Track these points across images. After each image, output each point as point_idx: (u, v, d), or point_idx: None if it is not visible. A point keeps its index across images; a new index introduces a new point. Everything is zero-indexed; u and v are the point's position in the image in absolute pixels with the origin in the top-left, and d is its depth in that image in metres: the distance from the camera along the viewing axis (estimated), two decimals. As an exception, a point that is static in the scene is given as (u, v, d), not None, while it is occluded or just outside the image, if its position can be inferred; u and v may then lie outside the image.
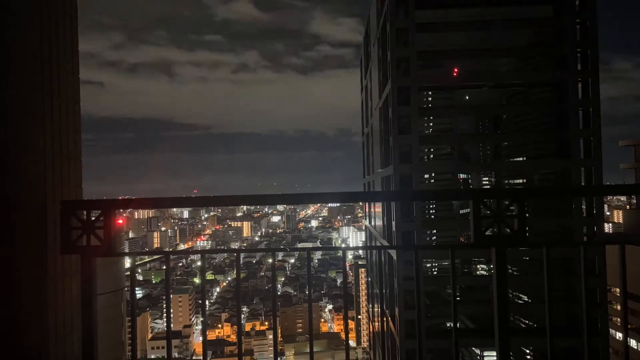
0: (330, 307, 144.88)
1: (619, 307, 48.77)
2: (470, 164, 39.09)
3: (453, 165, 38.35)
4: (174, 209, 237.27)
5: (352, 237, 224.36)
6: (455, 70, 37.93)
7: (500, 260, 2.87)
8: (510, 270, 35.94)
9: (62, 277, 3.29)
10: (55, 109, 3.33)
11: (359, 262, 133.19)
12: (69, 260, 3.33)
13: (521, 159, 39.86)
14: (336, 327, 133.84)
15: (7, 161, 2.84)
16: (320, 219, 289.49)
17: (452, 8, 36.63)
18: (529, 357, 35.69)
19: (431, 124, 39.78)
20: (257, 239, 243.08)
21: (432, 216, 37.99)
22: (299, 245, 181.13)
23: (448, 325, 34.94)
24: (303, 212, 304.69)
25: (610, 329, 36.85)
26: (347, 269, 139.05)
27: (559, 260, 34.20)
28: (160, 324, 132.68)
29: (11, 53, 2.89)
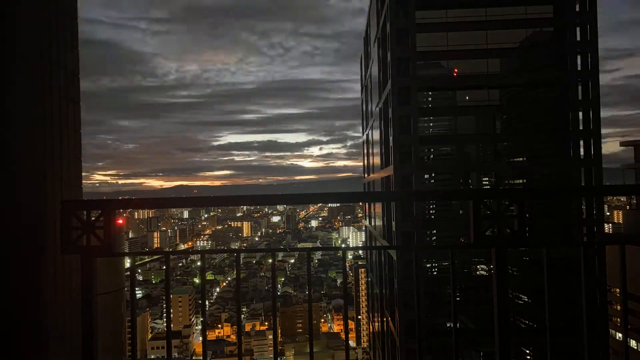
0: (330, 307, 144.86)
1: (619, 307, 48.76)
2: (470, 164, 39.08)
3: (453, 165, 38.33)
4: (174, 209, 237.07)
5: (352, 237, 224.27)
6: (455, 70, 37.94)
7: (500, 260, 2.86)
8: (510, 270, 35.92)
9: (62, 277, 3.29)
10: (55, 109, 3.33)
11: (359, 262, 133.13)
12: (69, 260, 3.33)
13: (521, 159, 39.83)
14: (336, 327, 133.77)
15: (7, 161, 2.84)
16: (320, 219, 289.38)
17: (452, 8, 36.63)
18: (529, 357, 35.66)
19: (431, 124, 39.74)
20: (257, 239, 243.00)
21: (432, 216, 37.98)
22: (299, 245, 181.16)
23: (448, 325, 34.95)
24: (303, 212, 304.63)
25: (610, 329, 36.84)
26: (347, 269, 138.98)
27: (559, 260, 34.20)
28: (160, 324, 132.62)
29: (11, 53, 2.89)
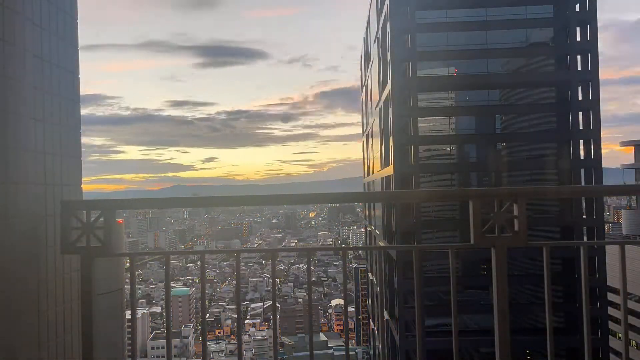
0: (330, 307, 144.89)
1: (619, 308, 48.72)
2: (470, 164, 39.07)
3: (453, 165, 38.32)
4: (174, 209, 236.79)
5: (352, 237, 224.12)
6: (455, 70, 37.94)
7: (500, 261, 2.86)
8: (510, 270, 35.89)
9: (62, 277, 3.29)
10: (55, 109, 3.33)
11: (359, 262, 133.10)
12: (69, 260, 3.33)
13: (521, 159, 39.82)
14: (336, 327, 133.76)
15: (7, 161, 2.84)
16: (320, 219, 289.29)
17: (452, 8, 36.65)
18: (529, 357, 35.67)
19: (431, 124, 39.74)
20: (256, 239, 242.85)
21: (432, 216, 37.96)
22: (299, 245, 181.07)
23: (448, 325, 34.93)
24: (303, 212, 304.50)
25: (610, 329, 36.85)
26: (347, 269, 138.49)
27: (559, 260, 34.20)
28: (161, 324, 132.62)
29: (11, 53, 2.89)
